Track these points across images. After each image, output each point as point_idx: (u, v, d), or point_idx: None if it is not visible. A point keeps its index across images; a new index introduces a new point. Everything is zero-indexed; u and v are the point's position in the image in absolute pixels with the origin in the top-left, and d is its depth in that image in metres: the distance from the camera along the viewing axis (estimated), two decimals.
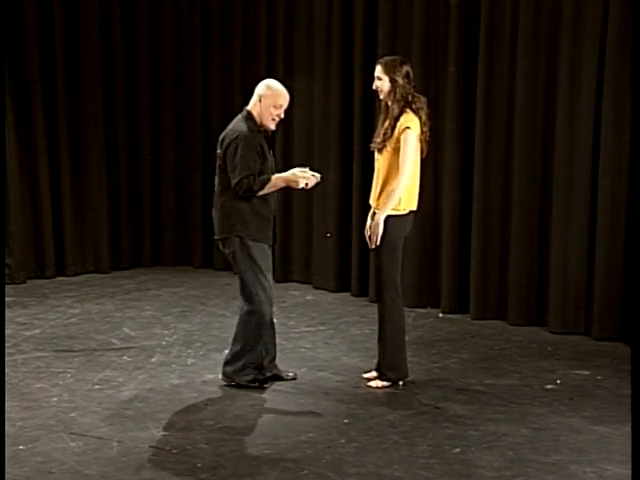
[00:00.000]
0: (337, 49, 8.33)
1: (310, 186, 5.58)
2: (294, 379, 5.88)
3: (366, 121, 8.04)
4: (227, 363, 5.73)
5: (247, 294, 5.58)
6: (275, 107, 5.51)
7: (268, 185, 5.45)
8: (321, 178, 5.62)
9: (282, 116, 5.60)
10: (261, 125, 5.54)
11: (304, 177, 5.49)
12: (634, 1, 6.47)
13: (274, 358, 5.85)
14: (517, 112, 7.29)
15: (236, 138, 5.43)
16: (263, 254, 5.58)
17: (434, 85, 7.68)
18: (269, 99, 5.50)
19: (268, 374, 5.77)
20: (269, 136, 5.68)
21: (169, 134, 9.56)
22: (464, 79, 7.58)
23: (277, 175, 5.54)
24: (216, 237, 5.67)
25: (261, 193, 5.46)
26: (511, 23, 7.28)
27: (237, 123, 5.54)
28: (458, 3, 7.49)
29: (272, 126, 5.58)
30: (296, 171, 5.52)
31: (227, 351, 5.80)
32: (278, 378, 5.82)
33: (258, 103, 5.53)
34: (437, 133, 7.47)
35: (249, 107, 5.57)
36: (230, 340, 5.77)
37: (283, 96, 5.55)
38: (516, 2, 7.23)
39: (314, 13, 8.51)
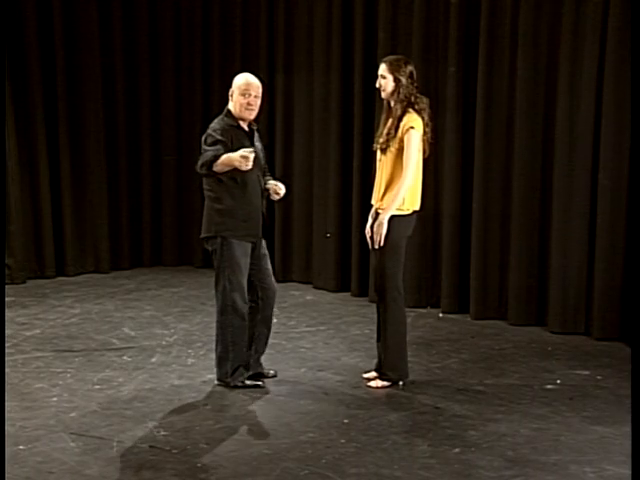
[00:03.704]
0: (337, 49, 8.34)
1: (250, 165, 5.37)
2: (274, 376, 5.90)
3: (366, 121, 8.05)
4: (216, 367, 5.74)
5: (219, 289, 5.60)
6: (242, 95, 5.55)
7: (219, 161, 5.34)
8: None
9: (253, 103, 5.57)
10: (240, 118, 5.58)
11: (245, 157, 5.30)
12: (634, 1, 6.47)
13: (260, 357, 5.88)
14: (517, 112, 7.29)
15: (211, 132, 5.54)
16: (244, 252, 5.60)
17: (434, 85, 7.69)
18: (236, 90, 5.58)
19: (252, 372, 5.79)
20: (253, 132, 5.67)
21: (169, 134, 9.57)
22: (464, 79, 7.59)
23: (229, 154, 5.40)
24: (201, 236, 5.71)
25: (215, 169, 5.39)
26: (511, 23, 7.29)
27: (216, 121, 5.63)
28: (458, 3, 7.50)
29: (248, 115, 5.59)
30: (241, 152, 5.34)
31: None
32: (260, 375, 5.83)
33: (231, 97, 5.62)
34: (437, 133, 7.47)
35: (228, 105, 5.64)
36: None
37: (249, 83, 5.58)
38: (516, 2, 7.23)
39: (314, 13, 8.52)
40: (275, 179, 5.88)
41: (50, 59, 8.80)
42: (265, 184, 5.71)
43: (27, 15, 8.60)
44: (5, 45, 8.15)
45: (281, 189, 5.71)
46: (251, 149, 5.34)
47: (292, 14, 8.70)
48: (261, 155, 5.74)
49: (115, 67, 9.27)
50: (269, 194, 5.72)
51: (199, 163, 5.48)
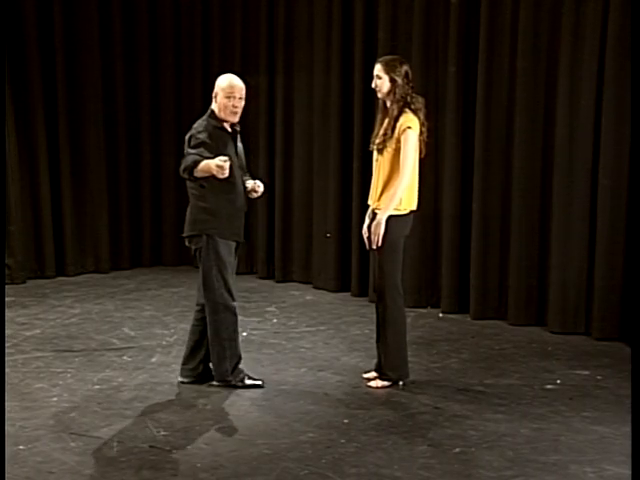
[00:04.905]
0: (337, 49, 8.34)
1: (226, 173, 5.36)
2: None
3: (366, 121, 8.03)
4: (215, 367, 5.72)
5: (209, 288, 5.57)
6: (228, 98, 5.53)
7: (199, 167, 5.33)
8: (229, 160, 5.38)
9: (238, 105, 5.55)
10: (224, 120, 5.57)
11: (220, 167, 5.29)
12: (634, 1, 6.47)
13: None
14: (517, 112, 7.29)
15: (195, 133, 5.51)
16: (229, 251, 5.60)
17: (434, 85, 7.69)
18: (221, 92, 5.55)
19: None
20: (236, 133, 5.66)
21: (169, 134, 9.56)
22: (464, 79, 7.59)
23: (207, 161, 5.39)
24: (184, 235, 5.69)
25: (195, 175, 5.38)
26: (511, 23, 7.28)
27: (200, 122, 5.61)
28: (458, 3, 7.50)
29: (233, 118, 5.58)
30: (216, 160, 5.31)
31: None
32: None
33: (215, 100, 5.59)
34: (437, 133, 7.50)
35: (212, 106, 5.62)
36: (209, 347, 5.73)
37: (234, 86, 5.56)
38: (516, 2, 7.23)
39: (314, 12, 8.52)
40: (255, 178, 5.85)
41: (50, 59, 8.80)
42: (244, 184, 5.70)
43: (27, 15, 8.60)
44: (5, 45, 8.15)
45: (259, 187, 5.72)
46: (225, 157, 5.32)
47: (292, 14, 8.70)
48: (242, 156, 5.75)
49: (115, 67, 9.26)
50: (247, 192, 5.72)
51: (181, 168, 5.47)
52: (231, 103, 5.53)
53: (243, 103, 5.60)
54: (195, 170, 5.36)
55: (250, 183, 5.72)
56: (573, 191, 7.07)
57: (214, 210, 5.53)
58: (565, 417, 5.27)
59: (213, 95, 5.60)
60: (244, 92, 5.60)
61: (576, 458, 4.68)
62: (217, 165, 5.26)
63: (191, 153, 5.43)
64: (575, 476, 4.48)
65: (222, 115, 5.55)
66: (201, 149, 5.41)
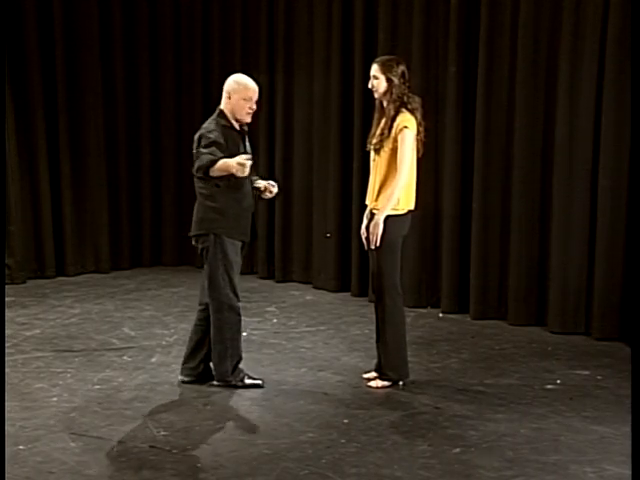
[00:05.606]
0: (337, 49, 8.34)
1: (247, 172, 5.37)
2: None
3: (366, 121, 8.00)
4: (216, 366, 5.72)
5: (215, 287, 5.57)
6: (245, 100, 5.56)
7: (216, 166, 5.32)
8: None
9: (254, 107, 5.62)
10: (236, 120, 5.59)
11: (242, 165, 5.29)
12: (634, 1, 6.47)
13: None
14: (517, 112, 7.29)
15: (206, 132, 5.50)
16: (235, 251, 5.62)
17: (434, 85, 7.69)
18: (238, 94, 5.56)
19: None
20: (245, 133, 5.68)
21: (169, 134, 9.57)
22: (464, 79, 7.59)
23: (225, 160, 5.40)
24: (190, 234, 5.68)
25: (212, 174, 5.37)
26: (511, 24, 7.29)
27: (209, 121, 5.61)
28: (458, 3, 7.49)
29: (247, 119, 5.63)
30: (238, 159, 5.32)
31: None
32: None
33: (228, 100, 5.59)
34: (437, 133, 7.51)
35: (221, 105, 5.62)
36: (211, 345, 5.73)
37: (251, 89, 5.60)
38: (516, 2, 7.23)
39: (314, 13, 8.52)
40: (265, 179, 5.86)
41: (50, 59, 8.80)
42: (253, 184, 5.70)
43: (27, 15, 8.60)
44: (5, 45, 8.15)
45: (274, 187, 5.73)
46: (248, 156, 5.33)
47: (292, 14, 8.70)
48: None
49: (115, 67, 9.26)
50: (260, 193, 5.72)
51: (195, 166, 5.46)
52: (248, 105, 5.57)
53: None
54: (211, 169, 5.36)
55: (263, 183, 5.72)
56: (573, 191, 7.07)
57: (222, 209, 5.52)
58: (565, 417, 5.27)
59: (225, 95, 5.59)
60: (257, 94, 5.65)
61: (576, 458, 4.68)
62: (238, 163, 5.25)
63: (204, 152, 5.41)
64: (575, 476, 4.48)
65: (237, 116, 5.57)
66: (213, 148, 5.41)
